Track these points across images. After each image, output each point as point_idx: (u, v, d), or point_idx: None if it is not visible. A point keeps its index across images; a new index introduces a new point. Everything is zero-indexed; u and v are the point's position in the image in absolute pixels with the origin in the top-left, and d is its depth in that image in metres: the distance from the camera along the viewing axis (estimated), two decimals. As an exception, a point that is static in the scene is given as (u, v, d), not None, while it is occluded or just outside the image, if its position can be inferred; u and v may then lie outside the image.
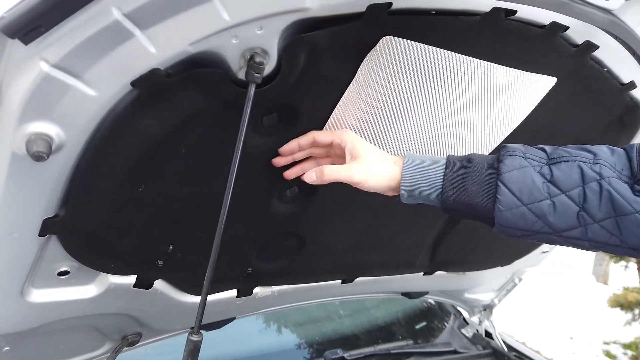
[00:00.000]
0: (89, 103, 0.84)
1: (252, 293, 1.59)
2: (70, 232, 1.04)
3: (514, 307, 6.36)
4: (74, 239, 1.07)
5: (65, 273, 1.15)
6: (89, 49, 0.77)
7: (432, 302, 2.79)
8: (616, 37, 1.27)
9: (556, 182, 0.91)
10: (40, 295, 1.15)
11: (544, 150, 0.97)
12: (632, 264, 6.46)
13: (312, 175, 1.10)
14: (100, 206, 1.03)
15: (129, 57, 0.81)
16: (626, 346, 6.98)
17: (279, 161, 1.16)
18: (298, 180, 1.32)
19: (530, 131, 1.49)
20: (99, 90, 0.83)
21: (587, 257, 11.46)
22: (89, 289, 1.22)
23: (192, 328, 1.07)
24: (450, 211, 1.02)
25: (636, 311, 5.97)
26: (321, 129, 1.15)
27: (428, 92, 1.19)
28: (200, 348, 1.08)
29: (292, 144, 1.13)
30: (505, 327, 2.72)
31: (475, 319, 2.71)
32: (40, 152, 0.81)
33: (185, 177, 1.10)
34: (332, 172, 1.07)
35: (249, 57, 0.88)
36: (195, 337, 1.07)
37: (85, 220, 1.04)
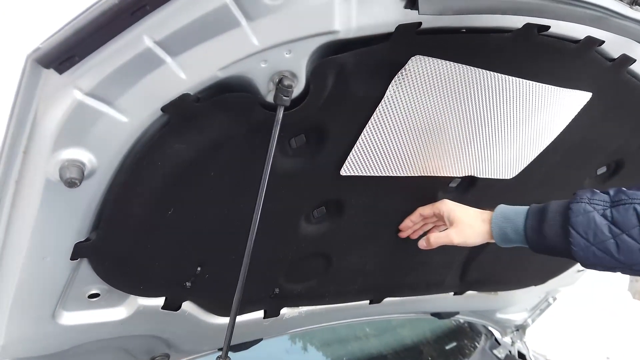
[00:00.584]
0: (120, 129, 0.84)
1: (279, 314, 1.57)
2: (101, 256, 1.05)
3: (547, 326, 6.16)
4: (105, 262, 1.07)
5: (96, 295, 1.15)
6: (121, 77, 0.78)
7: (462, 321, 2.72)
8: None
9: (617, 223, 1.05)
10: (71, 318, 1.16)
11: (608, 193, 1.10)
12: (670, 280, 6.22)
13: (422, 242, 1.41)
14: (131, 230, 1.04)
15: (159, 84, 0.81)
16: None
17: (402, 235, 1.48)
18: (325, 200, 1.31)
19: (565, 147, 1.45)
20: (130, 117, 0.84)
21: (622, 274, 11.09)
22: (118, 311, 1.22)
23: (220, 350, 1.07)
24: (538, 252, 1.20)
25: (676, 330, 5.73)
26: (350, 149, 1.14)
27: (459, 110, 1.17)
28: None
29: (406, 222, 1.45)
30: (538, 347, 2.63)
31: (507, 340, 2.63)
32: (73, 178, 0.81)
33: (214, 200, 1.10)
34: (436, 239, 1.35)
35: (277, 80, 0.88)
36: None
37: (116, 244, 1.04)
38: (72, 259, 1.00)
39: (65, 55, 0.71)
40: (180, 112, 0.86)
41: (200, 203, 1.08)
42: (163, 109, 0.85)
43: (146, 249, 1.10)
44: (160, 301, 1.26)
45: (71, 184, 0.82)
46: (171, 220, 1.06)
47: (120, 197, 0.95)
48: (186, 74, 0.82)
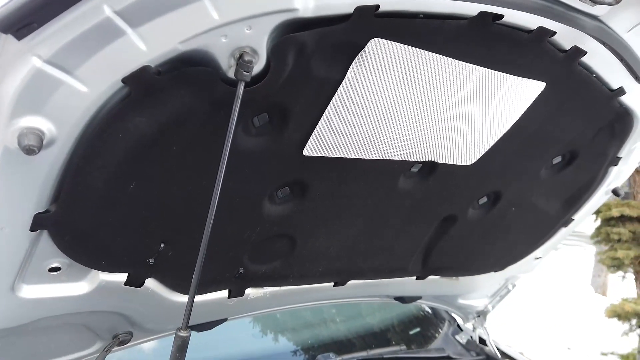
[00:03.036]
0: (80, 99, 0.85)
1: (243, 294, 1.59)
2: (61, 228, 1.05)
3: (512, 318, 6.34)
4: (65, 234, 1.08)
5: (57, 269, 1.16)
6: (81, 46, 0.79)
7: (427, 309, 2.79)
8: (604, 43, 1.29)
9: None
10: (31, 291, 1.16)
11: None
12: (630, 275, 6.45)
13: None
14: (91, 202, 1.04)
15: (120, 54, 0.83)
16: (623, 357, 6.94)
17: None
18: (288, 179, 1.34)
19: (522, 136, 1.51)
20: (90, 87, 0.85)
21: (586, 269, 11.45)
22: (80, 286, 1.23)
23: (189, 327, 1.08)
24: None
25: (633, 322, 5.95)
26: (313, 129, 1.17)
27: (418, 94, 1.20)
28: (188, 344, 1.08)
29: None
30: (503, 338, 2.71)
31: (469, 326, 2.71)
32: (31, 145, 0.82)
33: (177, 176, 1.11)
34: None
35: (238, 56, 0.90)
36: (183, 333, 1.07)
37: (77, 216, 1.05)
38: (31, 230, 1.01)
39: (24, 21, 0.72)
40: (141, 84, 0.88)
41: (163, 178, 1.09)
42: (124, 80, 0.86)
43: (108, 223, 1.11)
44: (123, 277, 1.27)
45: (29, 151, 0.82)
46: (133, 195, 1.07)
47: (81, 169, 0.96)
48: (147, 46, 0.83)
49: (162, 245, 1.26)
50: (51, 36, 0.76)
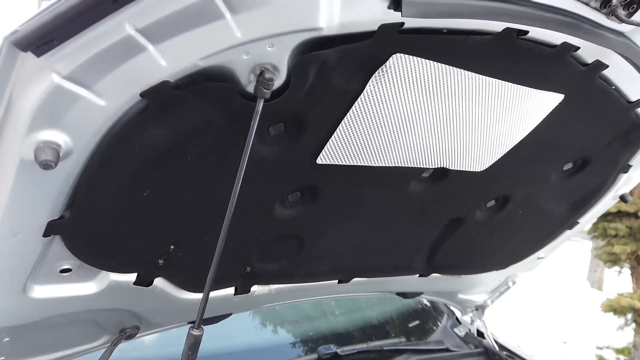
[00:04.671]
0: (98, 112, 0.84)
1: (249, 291, 1.61)
2: (74, 233, 1.05)
3: (510, 312, 6.42)
4: (78, 239, 1.08)
5: (67, 270, 1.16)
6: (101, 62, 0.77)
7: (426, 302, 2.82)
8: (626, 58, 1.27)
9: None
10: (41, 291, 1.17)
11: None
12: (626, 270, 6.50)
13: None
14: (105, 209, 1.04)
15: (139, 70, 0.81)
16: (619, 351, 7.06)
17: None
18: (300, 185, 1.33)
19: (535, 144, 1.50)
20: (108, 101, 0.83)
21: (582, 264, 11.55)
22: (89, 286, 1.24)
23: (192, 322, 1.09)
24: None
25: (629, 316, 6.03)
26: (328, 139, 1.15)
27: (435, 105, 1.19)
28: (200, 342, 1.10)
29: None
30: (500, 332, 2.75)
31: (467, 319, 2.74)
32: (48, 161, 0.81)
33: (190, 183, 1.10)
34: None
35: (258, 72, 0.88)
36: (196, 332, 1.09)
37: (90, 222, 1.04)
38: (44, 235, 1.01)
39: (43, 39, 0.70)
40: (159, 98, 0.86)
41: (176, 186, 1.09)
42: (142, 94, 0.85)
43: (120, 228, 1.11)
44: (132, 277, 1.28)
45: (46, 166, 0.81)
46: (146, 201, 1.07)
47: (96, 178, 0.95)
48: (167, 62, 0.81)
49: (172, 247, 1.26)
50: (71, 53, 0.74)
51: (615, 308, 5.93)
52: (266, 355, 2.08)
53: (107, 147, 0.90)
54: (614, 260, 6.17)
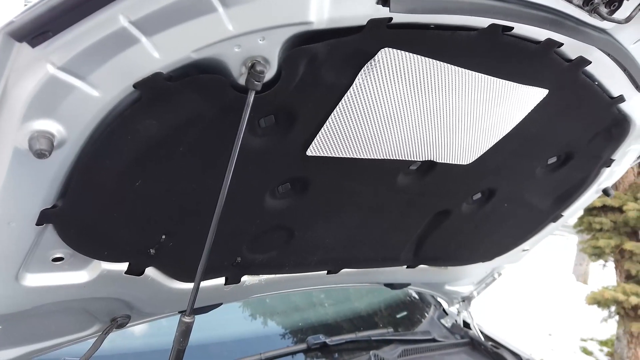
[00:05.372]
0: (92, 103, 0.85)
1: (240, 281, 1.63)
2: (66, 222, 1.07)
3: (496, 306, 6.50)
4: (71, 228, 1.09)
5: (60, 259, 1.17)
6: (95, 53, 0.78)
7: (414, 294, 2.86)
8: (609, 54, 1.30)
9: None
10: (34, 280, 1.18)
11: None
12: (610, 263, 6.62)
13: None
14: (98, 199, 1.05)
15: (132, 61, 0.82)
16: (602, 343, 7.21)
17: None
18: (290, 176, 1.35)
19: (520, 138, 1.53)
20: (102, 91, 0.85)
21: (568, 257, 11.69)
22: (81, 275, 1.25)
23: (183, 311, 1.11)
24: None
25: (612, 309, 6.15)
26: (318, 131, 1.18)
27: (423, 99, 1.21)
28: (191, 329, 1.12)
29: None
30: (486, 323, 2.80)
31: (453, 310, 2.79)
32: (42, 150, 0.82)
33: (181, 174, 1.12)
34: None
35: (250, 65, 0.90)
36: (187, 319, 1.11)
37: (82, 212, 1.06)
38: (37, 224, 1.02)
39: (39, 30, 0.72)
40: (152, 89, 0.88)
41: (168, 176, 1.10)
42: (135, 85, 0.86)
43: (112, 218, 1.13)
44: (123, 266, 1.29)
45: (40, 155, 0.83)
46: (138, 192, 1.09)
47: (89, 168, 0.96)
48: (160, 54, 0.83)
49: (163, 237, 1.28)
50: (65, 44, 0.75)
51: (599, 301, 6.04)
52: (255, 345, 2.11)
53: (101, 138, 0.92)
54: (598, 253, 6.27)
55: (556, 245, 12.45)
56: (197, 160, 1.10)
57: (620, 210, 6.10)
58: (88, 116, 0.88)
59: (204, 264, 1.06)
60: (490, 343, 2.57)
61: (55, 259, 1.16)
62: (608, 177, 2.00)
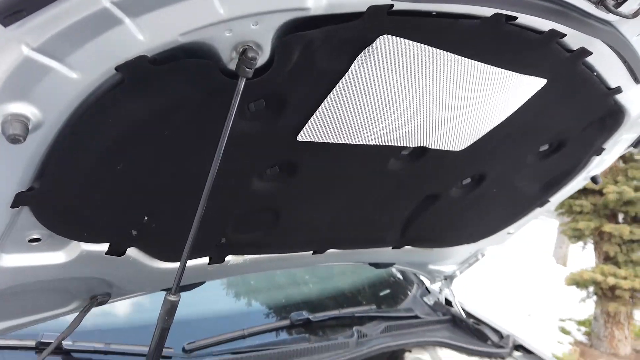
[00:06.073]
0: (70, 85, 0.80)
1: (224, 261, 1.60)
2: (43, 204, 1.02)
3: (476, 287, 6.61)
4: (47, 210, 1.04)
5: (37, 240, 1.13)
6: (74, 35, 0.72)
7: (397, 273, 2.88)
8: (610, 46, 1.27)
9: None
10: (9, 260, 1.14)
11: None
12: (590, 245, 6.75)
13: None
14: (76, 181, 1.01)
15: (115, 44, 0.77)
16: (580, 323, 7.44)
17: None
18: (279, 160, 1.32)
19: (514, 125, 1.51)
20: (81, 74, 0.79)
21: (548, 240, 11.91)
22: (59, 255, 1.21)
23: (166, 290, 1.09)
24: None
25: (591, 289, 6.32)
26: (309, 117, 1.13)
27: (419, 86, 1.17)
28: (177, 308, 1.10)
29: None
30: (467, 303, 2.83)
31: (435, 288, 2.82)
32: (16, 135, 0.77)
33: (165, 157, 1.08)
34: None
35: (241, 50, 0.85)
36: (173, 298, 1.09)
37: (60, 194, 1.01)
38: (12, 207, 0.97)
39: (12, 9, 0.66)
40: (136, 72, 0.82)
41: (151, 160, 1.06)
42: (117, 68, 0.81)
43: (91, 200, 1.08)
44: (104, 247, 1.25)
45: (14, 140, 0.78)
46: (120, 175, 1.04)
47: (67, 151, 0.92)
48: (144, 36, 0.77)
49: (145, 218, 1.24)
50: (41, 24, 0.69)
51: (578, 281, 6.20)
52: (239, 321, 2.10)
53: (80, 121, 0.86)
54: (578, 235, 6.40)
55: (537, 229, 12.67)
56: (182, 143, 1.06)
57: (600, 193, 6.19)
58: (66, 99, 0.82)
59: (190, 244, 1.03)
60: (472, 320, 2.61)
61: (32, 240, 1.12)
62: (597, 166, 2.00)
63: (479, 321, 2.66)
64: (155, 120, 0.95)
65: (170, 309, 1.10)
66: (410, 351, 2.29)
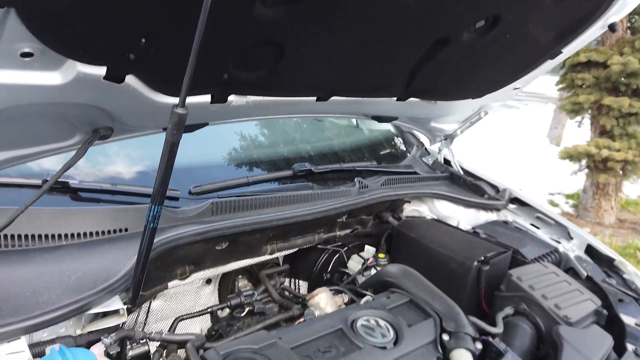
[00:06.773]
0: None
1: (226, 100, 1.56)
2: (30, 8, 0.94)
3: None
4: (36, 15, 0.97)
5: (29, 55, 1.06)
6: None
7: (398, 137, 2.87)
8: None
9: None
10: (2, 76, 1.08)
11: None
12: (586, 121, 6.71)
13: None
14: None
15: None
16: (569, 196, 7.68)
17: None
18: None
19: None
20: None
21: (544, 121, 11.85)
22: (55, 76, 1.15)
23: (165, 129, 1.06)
24: None
25: (583, 162, 6.41)
26: None
27: None
28: (185, 122, 1.08)
29: None
30: (464, 164, 2.85)
31: (435, 149, 2.83)
32: None
33: None
34: None
35: None
36: (180, 110, 1.06)
37: None
38: None
39: None
40: None
41: None
42: None
43: (82, 8, 1.00)
44: (102, 70, 1.19)
45: None
46: None
47: None
48: None
49: (143, 40, 1.16)
50: None
51: (571, 154, 6.28)
52: (242, 169, 2.13)
53: None
54: (577, 110, 6.36)
55: (533, 114, 12.62)
56: None
57: (604, 66, 6.04)
58: None
59: (192, 67, 0.98)
60: (469, 178, 2.65)
61: (24, 54, 1.05)
62: (618, 11, 1.88)
63: (477, 178, 2.71)
64: None
65: (178, 122, 1.07)
66: (409, 202, 2.35)
